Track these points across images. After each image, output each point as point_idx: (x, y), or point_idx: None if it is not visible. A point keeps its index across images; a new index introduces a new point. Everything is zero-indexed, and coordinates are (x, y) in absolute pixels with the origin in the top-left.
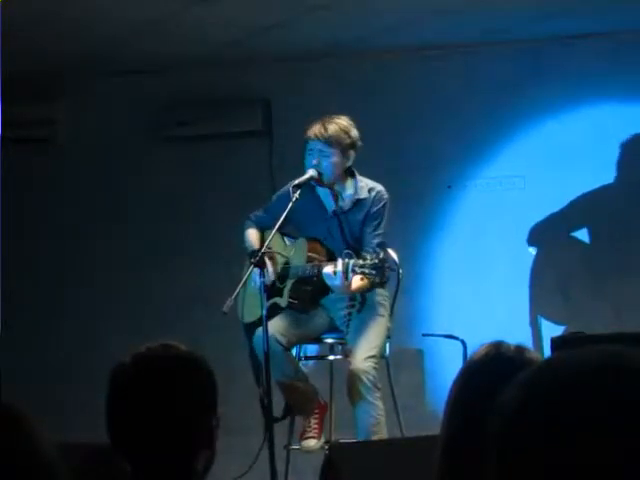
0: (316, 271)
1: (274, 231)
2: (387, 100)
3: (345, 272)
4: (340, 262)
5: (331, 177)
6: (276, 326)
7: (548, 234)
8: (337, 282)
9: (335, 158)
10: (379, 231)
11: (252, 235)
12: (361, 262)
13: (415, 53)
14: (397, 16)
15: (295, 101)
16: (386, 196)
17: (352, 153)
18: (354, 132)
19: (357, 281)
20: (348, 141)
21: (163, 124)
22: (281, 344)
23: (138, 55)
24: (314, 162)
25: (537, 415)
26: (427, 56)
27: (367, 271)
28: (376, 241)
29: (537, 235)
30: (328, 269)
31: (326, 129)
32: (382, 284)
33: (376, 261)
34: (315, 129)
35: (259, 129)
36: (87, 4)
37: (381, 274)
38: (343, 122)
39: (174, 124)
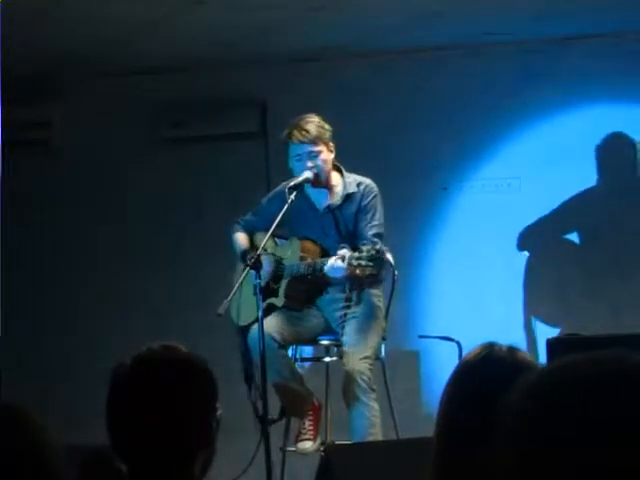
0: (311, 269)
1: (270, 232)
2: (382, 102)
3: (348, 265)
4: (339, 256)
5: (325, 175)
6: (271, 324)
7: (543, 235)
8: (339, 274)
9: (323, 155)
10: (374, 222)
11: (241, 238)
12: (357, 254)
13: (410, 55)
14: (392, 18)
15: (291, 103)
16: (376, 189)
17: (332, 144)
18: (327, 124)
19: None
20: (328, 134)
21: (159, 125)
22: (276, 341)
23: (135, 57)
24: (309, 165)
25: (559, 415)
26: (422, 58)
27: (364, 263)
28: (372, 232)
29: (532, 236)
30: (329, 264)
31: (307, 130)
32: (378, 282)
33: (373, 252)
34: (296, 134)
35: (255, 131)
36: (85, 6)
37: (379, 265)
38: (315, 118)
39: (170, 125)
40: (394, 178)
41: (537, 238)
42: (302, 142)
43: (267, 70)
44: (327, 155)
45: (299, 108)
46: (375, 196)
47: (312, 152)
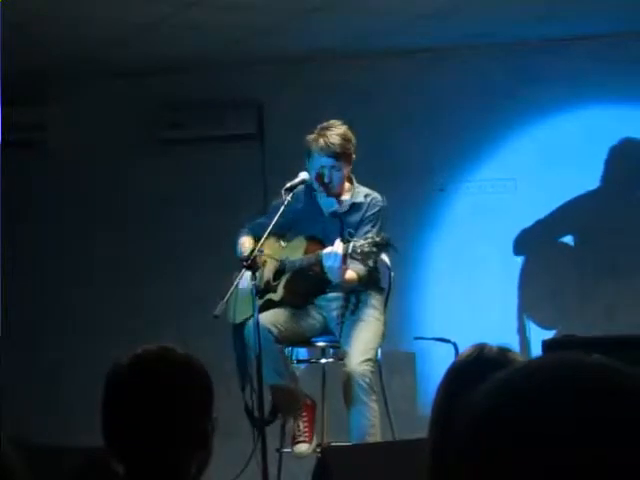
0: (314, 260)
1: (266, 233)
2: (379, 103)
3: (344, 255)
4: (340, 244)
5: (339, 187)
6: (268, 318)
7: (539, 237)
8: (336, 264)
9: (345, 170)
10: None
11: (245, 242)
12: (361, 241)
13: (408, 56)
14: (390, 20)
15: (288, 104)
16: (381, 202)
17: (354, 156)
18: (353, 137)
19: (349, 272)
20: (352, 149)
21: (157, 126)
22: (272, 334)
23: (133, 58)
24: (326, 180)
25: (505, 418)
26: (419, 59)
27: (367, 249)
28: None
29: (528, 239)
30: (327, 249)
31: (333, 144)
32: (378, 287)
33: (377, 239)
34: (322, 144)
35: (252, 132)
36: (83, 7)
37: (380, 251)
38: (342, 130)
39: (167, 126)
40: (391, 179)
41: (533, 241)
42: (327, 155)
43: (265, 71)
44: (346, 169)
45: (297, 109)
46: (379, 210)
47: (334, 166)
